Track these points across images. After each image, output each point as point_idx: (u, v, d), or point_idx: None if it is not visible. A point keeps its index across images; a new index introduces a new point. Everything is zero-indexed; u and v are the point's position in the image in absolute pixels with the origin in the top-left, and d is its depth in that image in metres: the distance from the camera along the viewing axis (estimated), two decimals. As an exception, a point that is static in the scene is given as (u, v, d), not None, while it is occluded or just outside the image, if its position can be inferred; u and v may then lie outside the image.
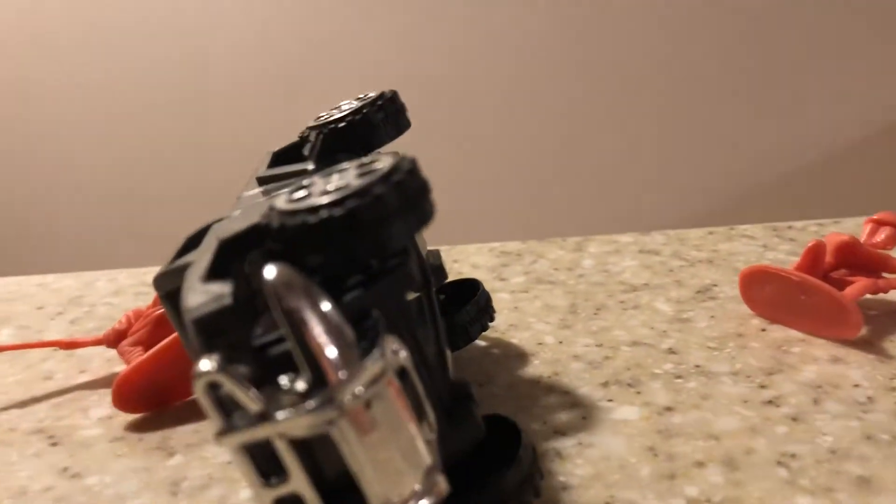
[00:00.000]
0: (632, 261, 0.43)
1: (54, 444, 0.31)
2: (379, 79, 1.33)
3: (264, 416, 0.16)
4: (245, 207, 0.25)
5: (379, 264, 0.20)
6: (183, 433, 0.31)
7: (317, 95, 1.35)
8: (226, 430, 0.17)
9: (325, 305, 0.17)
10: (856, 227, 0.44)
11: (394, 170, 0.19)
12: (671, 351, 0.33)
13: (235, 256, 0.20)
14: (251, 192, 0.28)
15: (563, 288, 0.41)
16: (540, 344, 0.35)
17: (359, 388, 0.16)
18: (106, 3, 1.42)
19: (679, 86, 1.28)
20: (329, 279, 0.18)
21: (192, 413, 0.32)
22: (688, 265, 0.42)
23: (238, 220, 0.22)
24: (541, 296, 0.40)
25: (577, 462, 0.26)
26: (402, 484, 0.17)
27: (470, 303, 0.32)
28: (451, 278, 0.35)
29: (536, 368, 0.33)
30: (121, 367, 0.35)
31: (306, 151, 0.29)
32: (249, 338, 0.18)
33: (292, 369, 0.17)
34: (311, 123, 0.29)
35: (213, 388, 0.16)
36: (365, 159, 0.20)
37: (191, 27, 1.41)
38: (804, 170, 1.27)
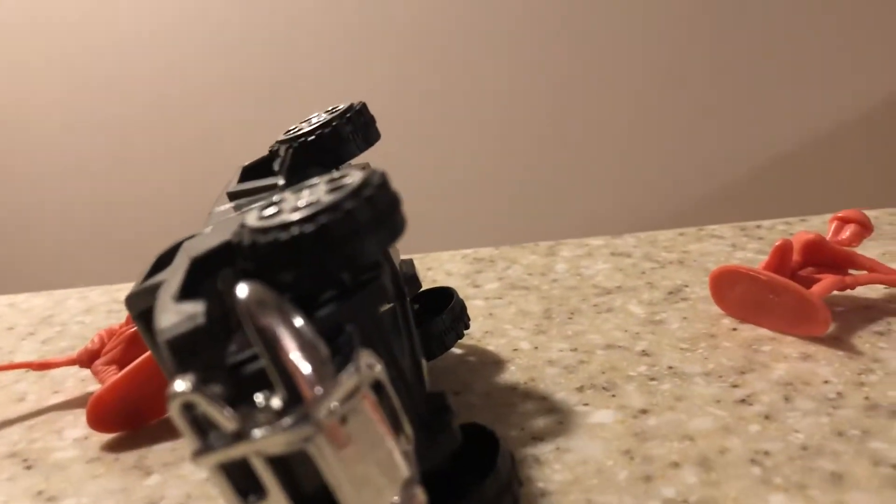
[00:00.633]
0: (604, 264, 0.44)
1: (28, 468, 0.31)
2: (350, 88, 1.33)
3: (240, 435, 0.16)
4: (216, 223, 0.25)
5: (352, 279, 0.20)
6: (160, 452, 0.31)
7: (290, 107, 1.35)
8: (202, 451, 0.17)
9: (298, 322, 0.17)
10: (823, 225, 0.45)
11: (364, 184, 0.19)
12: (645, 353, 0.33)
13: (207, 275, 0.20)
14: (222, 208, 0.28)
15: (537, 293, 0.41)
16: (515, 350, 0.35)
17: (334, 404, 0.16)
18: (69, 24, 1.41)
19: (645, 88, 1.29)
20: (302, 295, 0.18)
21: (169, 431, 0.32)
22: (659, 267, 0.42)
23: (209, 238, 0.22)
24: (515, 301, 0.40)
25: (555, 468, 0.27)
26: (381, 497, 0.17)
27: (444, 311, 0.32)
28: (425, 286, 0.35)
29: (513, 375, 0.33)
30: (95, 387, 0.35)
31: (276, 166, 0.29)
32: (223, 356, 0.18)
33: (267, 387, 0.17)
34: (281, 137, 0.29)
35: (189, 408, 0.16)
36: (335, 174, 0.20)
37: (157, 41, 1.40)
38: (771, 168, 1.29)
